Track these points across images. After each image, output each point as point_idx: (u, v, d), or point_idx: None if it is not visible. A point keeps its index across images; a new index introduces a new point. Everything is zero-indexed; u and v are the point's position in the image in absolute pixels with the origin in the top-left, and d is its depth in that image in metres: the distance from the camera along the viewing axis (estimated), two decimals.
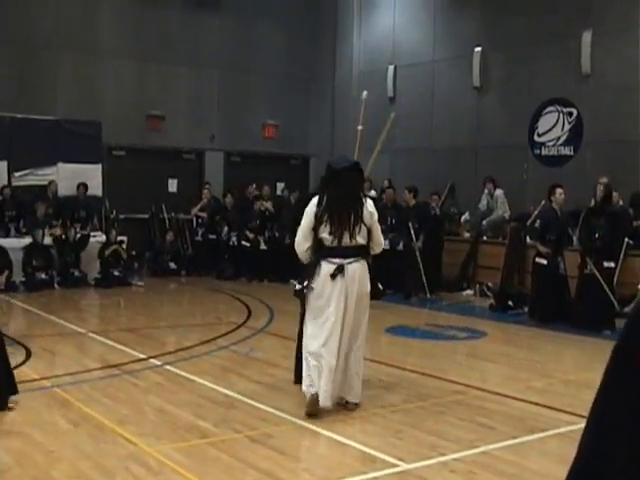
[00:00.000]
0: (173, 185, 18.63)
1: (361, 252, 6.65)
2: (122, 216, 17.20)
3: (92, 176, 16.66)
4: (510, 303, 12.71)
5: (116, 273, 15.12)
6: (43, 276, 14.35)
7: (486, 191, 15.33)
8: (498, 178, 15.19)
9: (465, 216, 16.12)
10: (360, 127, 8.26)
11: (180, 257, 17.11)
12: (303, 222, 6.68)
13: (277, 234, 16.45)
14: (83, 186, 16.20)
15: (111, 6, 17.68)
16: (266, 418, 6.51)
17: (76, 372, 7.99)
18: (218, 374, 7.97)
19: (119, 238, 15.60)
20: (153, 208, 18.06)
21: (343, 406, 6.74)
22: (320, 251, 6.59)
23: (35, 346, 9.11)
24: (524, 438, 6.03)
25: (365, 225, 6.60)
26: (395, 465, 5.35)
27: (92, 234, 15.59)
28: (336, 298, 6.47)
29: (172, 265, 16.76)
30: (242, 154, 19.41)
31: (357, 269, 6.58)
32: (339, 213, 6.52)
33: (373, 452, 5.61)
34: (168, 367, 8.30)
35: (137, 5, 17.92)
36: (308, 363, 6.57)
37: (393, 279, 14.32)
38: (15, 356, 8.52)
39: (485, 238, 15.11)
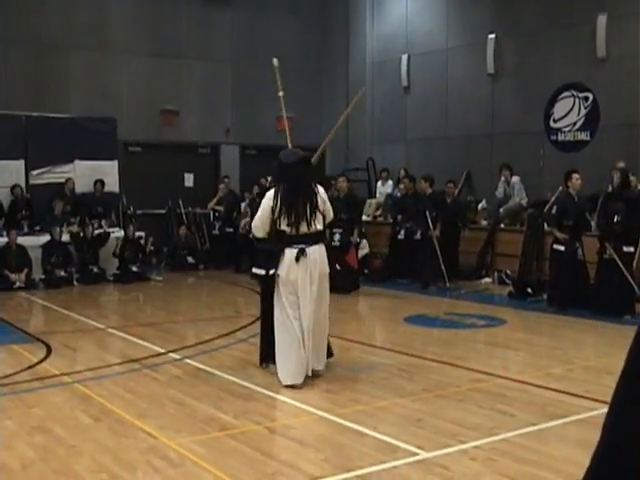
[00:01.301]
0: (189, 179, 18.68)
1: (319, 237, 7.31)
2: (139, 212, 17.27)
3: (108, 172, 16.74)
4: (529, 290, 12.66)
5: (134, 269, 15.18)
6: (62, 273, 14.42)
7: (502, 178, 15.26)
8: (514, 165, 15.12)
9: (482, 204, 16.07)
10: (281, 93, 8.66)
11: (198, 251, 17.16)
12: (260, 212, 7.33)
13: None
14: (100, 183, 16.30)
15: (123, 2, 17.72)
16: (285, 409, 6.52)
17: (96, 367, 8.03)
18: (237, 367, 7.99)
19: (137, 234, 15.66)
20: (170, 203, 18.13)
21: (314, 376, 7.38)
22: (282, 240, 7.19)
23: (55, 343, 9.17)
24: (544, 425, 6.00)
25: (320, 212, 7.24)
26: (415, 454, 5.35)
27: (110, 230, 15.66)
28: (301, 282, 7.09)
29: (190, 259, 16.82)
30: (257, 147, 19.41)
31: (317, 252, 7.20)
32: (295, 205, 7.12)
33: (393, 441, 5.60)
34: (188, 361, 8.32)
35: (149, 1, 17.94)
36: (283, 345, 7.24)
37: (411, 268, 14.33)
38: (36, 353, 8.61)
39: (502, 226, 15.05)
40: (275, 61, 8.78)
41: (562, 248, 11.51)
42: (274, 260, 7.18)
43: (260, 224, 7.36)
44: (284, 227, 7.14)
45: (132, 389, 7.17)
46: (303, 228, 7.14)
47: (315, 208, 7.18)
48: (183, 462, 5.22)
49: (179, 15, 18.33)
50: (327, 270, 7.34)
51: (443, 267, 13.62)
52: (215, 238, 17.35)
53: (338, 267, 7.91)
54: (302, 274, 7.10)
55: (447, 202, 14.58)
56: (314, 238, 7.21)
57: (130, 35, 17.72)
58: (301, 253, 7.10)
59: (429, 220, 13.83)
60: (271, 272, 7.20)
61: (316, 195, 7.24)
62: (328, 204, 7.45)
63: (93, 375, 7.71)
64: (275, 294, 7.26)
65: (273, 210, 7.15)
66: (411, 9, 18.61)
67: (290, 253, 7.13)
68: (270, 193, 7.29)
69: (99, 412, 6.39)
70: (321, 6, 20.31)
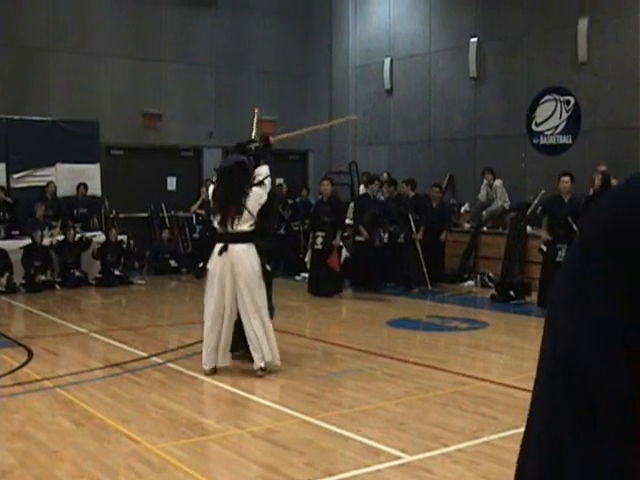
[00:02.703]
0: (172, 183, 18.62)
1: (245, 237, 7.63)
2: (122, 215, 17.19)
3: (91, 176, 16.64)
4: (511, 293, 12.69)
5: (117, 272, 15.11)
6: (43, 277, 14.34)
7: (485, 181, 15.32)
8: (497, 168, 15.17)
9: (465, 207, 16.11)
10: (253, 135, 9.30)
11: (180, 255, 17.10)
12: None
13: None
14: (83, 186, 16.19)
15: (105, 5, 17.64)
16: (268, 413, 6.51)
17: (78, 372, 7.98)
18: (220, 371, 7.96)
19: (119, 237, 15.60)
20: (152, 206, 18.06)
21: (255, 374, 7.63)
22: (214, 237, 7.87)
23: (37, 347, 9.10)
24: None
25: (250, 212, 7.61)
26: (398, 457, 5.35)
27: (92, 234, 15.57)
28: (220, 277, 7.53)
29: (173, 263, 16.75)
30: (242, 150, 19.34)
31: (241, 251, 7.55)
32: (222, 206, 7.65)
33: (376, 445, 5.60)
34: (170, 365, 8.29)
35: (131, 3, 17.88)
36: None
37: (394, 271, 14.36)
38: (17, 357, 8.55)
39: (485, 229, 15.09)
40: (256, 111, 9.99)
41: (544, 248, 11.59)
42: (207, 255, 7.86)
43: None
44: (215, 225, 7.74)
45: (114, 394, 7.13)
46: (229, 228, 7.58)
47: (242, 208, 7.57)
48: (165, 467, 5.20)
49: (161, 18, 18.27)
50: (251, 270, 7.57)
51: (425, 270, 13.64)
52: (197, 241, 17.23)
53: (268, 267, 8.06)
54: (222, 269, 7.52)
55: (431, 205, 14.60)
56: (239, 237, 7.59)
57: (112, 38, 17.64)
58: (223, 249, 7.53)
59: (412, 223, 13.85)
60: (201, 265, 7.80)
61: (246, 197, 7.60)
62: (265, 199, 7.73)
63: (75, 380, 7.66)
64: (206, 287, 7.82)
65: (211, 208, 7.98)
66: (394, 13, 18.64)
67: (216, 249, 7.63)
68: (210, 191, 8.08)
69: (81, 417, 6.35)
70: (304, 9, 20.31)
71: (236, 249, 7.53)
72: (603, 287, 0.71)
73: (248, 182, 7.71)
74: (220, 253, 7.55)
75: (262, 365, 7.58)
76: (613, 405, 0.70)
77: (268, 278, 8.10)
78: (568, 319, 0.74)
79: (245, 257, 7.55)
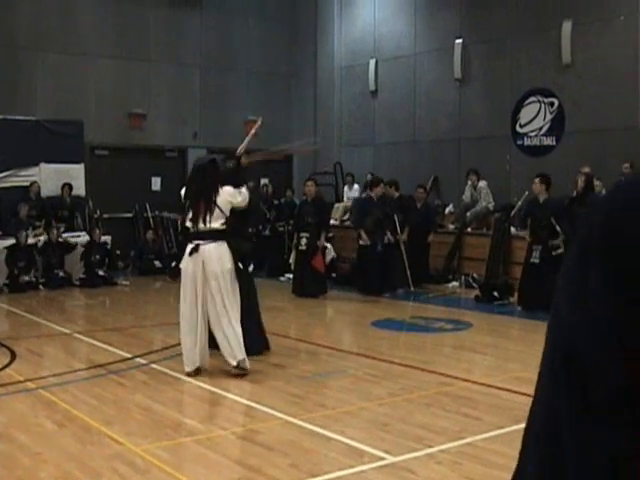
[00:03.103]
0: (156, 183, 18.56)
1: (217, 235, 7.58)
2: (106, 215, 17.13)
3: (75, 176, 16.57)
4: (495, 294, 12.73)
5: (101, 273, 15.06)
6: (27, 277, 14.27)
7: (469, 183, 15.36)
8: (481, 169, 15.22)
9: (449, 208, 16.16)
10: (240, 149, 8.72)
11: (165, 255, 17.05)
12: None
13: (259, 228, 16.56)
14: (68, 187, 16.11)
15: (91, 5, 17.58)
16: (252, 414, 6.51)
17: (61, 373, 7.95)
18: (204, 372, 7.95)
19: (103, 238, 15.55)
20: (137, 207, 18.01)
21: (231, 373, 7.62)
22: (186, 236, 7.86)
23: (20, 348, 9.06)
24: (511, 428, 6.03)
25: (221, 210, 7.58)
26: (382, 458, 5.36)
27: (76, 235, 15.51)
28: (191, 276, 7.53)
29: (157, 264, 16.70)
30: (225, 151, 19.29)
31: (213, 249, 7.52)
32: (194, 203, 7.64)
33: (360, 446, 5.61)
34: (154, 366, 8.27)
35: (117, 3, 17.82)
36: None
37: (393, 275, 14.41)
38: None
39: (469, 230, 15.13)
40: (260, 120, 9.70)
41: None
42: (181, 255, 7.87)
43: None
44: (187, 224, 7.68)
45: (97, 395, 7.11)
46: (200, 225, 7.55)
47: (213, 206, 7.55)
48: (149, 468, 5.19)
49: (147, 18, 18.23)
50: (223, 269, 7.53)
51: (408, 272, 13.65)
52: (182, 242, 17.17)
53: (240, 265, 7.91)
54: (194, 269, 7.51)
55: (416, 206, 14.62)
56: (210, 235, 7.56)
57: (98, 38, 17.58)
58: (194, 249, 7.52)
59: (397, 224, 13.87)
60: (173, 264, 7.82)
61: (216, 194, 7.58)
62: (238, 202, 7.75)
63: (58, 381, 7.63)
64: (181, 285, 7.78)
65: (184, 207, 7.81)
66: (379, 14, 18.68)
67: (188, 248, 7.62)
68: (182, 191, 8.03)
69: (64, 418, 6.33)
70: (289, 10, 20.32)
71: (207, 248, 7.52)
72: (600, 288, 0.73)
73: (219, 180, 7.71)
74: (191, 253, 7.54)
75: (234, 363, 7.53)
76: (607, 399, 0.72)
77: (246, 278, 8.06)
78: (567, 317, 0.76)
79: (215, 255, 7.52)
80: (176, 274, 7.90)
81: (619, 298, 0.71)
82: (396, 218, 13.87)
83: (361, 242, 13.63)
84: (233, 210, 7.78)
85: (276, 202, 17.61)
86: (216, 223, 7.57)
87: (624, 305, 0.71)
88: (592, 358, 0.73)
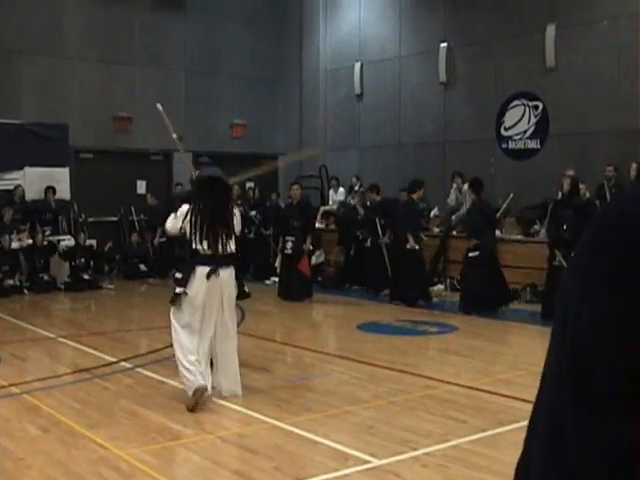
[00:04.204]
0: (142, 187, 18.52)
1: (232, 260, 7.12)
2: (91, 219, 17.07)
3: (60, 179, 16.50)
4: None
5: (86, 277, 15.01)
6: (11, 281, 14.20)
7: (455, 186, 15.41)
8: (466, 172, 15.24)
9: (434, 211, 16.18)
10: (175, 136, 8.81)
11: (150, 259, 16.99)
12: (174, 221, 7.19)
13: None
14: (51, 190, 16.04)
15: (76, 8, 17.52)
16: (237, 418, 6.50)
17: (46, 377, 7.92)
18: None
19: (88, 242, 15.49)
20: (122, 210, 17.96)
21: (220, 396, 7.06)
22: (195, 258, 6.98)
23: (4, 352, 9.02)
24: (495, 430, 6.06)
25: (234, 234, 7.16)
26: (367, 461, 5.37)
27: (61, 238, 15.46)
28: (209, 303, 6.88)
29: (142, 267, 16.66)
30: (210, 154, 19.31)
31: (230, 274, 7.04)
32: (211, 224, 6.96)
33: (345, 449, 5.62)
34: (139, 370, 8.26)
35: (102, 7, 17.77)
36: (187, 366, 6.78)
37: (363, 276, 14.43)
38: None
39: (455, 233, 15.16)
40: (159, 107, 8.88)
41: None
42: (185, 278, 6.94)
43: (172, 229, 7.31)
44: (199, 246, 6.93)
45: (82, 399, 7.09)
46: (218, 249, 6.96)
47: (230, 230, 7.07)
48: (134, 473, 5.18)
49: (132, 21, 18.19)
50: (234, 294, 7.19)
51: (390, 274, 13.65)
52: (164, 245, 16.85)
53: (246, 289, 7.78)
54: (212, 294, 6.90)
55: (398, 210, 14.63)
56: (227, 260, 7.04)
57: (83, 41, 17.53)
58: (213, 272, 6.88)
59: (378, 228, 13.89)
60: (178, 290, 6.92)
61: (232, 217, 7.16)
62: (239, 225, 7.44)
63: (42, 385, 7.60)
64: (176, 311, 6.97)
65: (190, 226, 6.97)
66: (364, 17, 18.72)
67: (202, 272, 6.88)
68: (185, 207, 7.12)
69: (48, 423, 6.30)
70: (274, 14, 20.32)
71: (226, 272, 6.98)
72: (602, 287, 0.76)
73: (231, 199, 7.41)
74: (209, 277, 6.85)
75: (225, 394, 7.08)
76: (610, 394, 0.75)
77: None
78: (573, 314, 0.79)
79: (231, 281, 7.09)
80: (178, 300, 6.94)
81: (622, 297, 0.74)
82: (377, 221, 13.90)
83: (408, 246, 12.95)
84: None
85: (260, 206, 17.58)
86: (232, 246, 7.10)
87: (624, 304, 0.73)
88: (596, 353, 0.76)
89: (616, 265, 0.75)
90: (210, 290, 6.86)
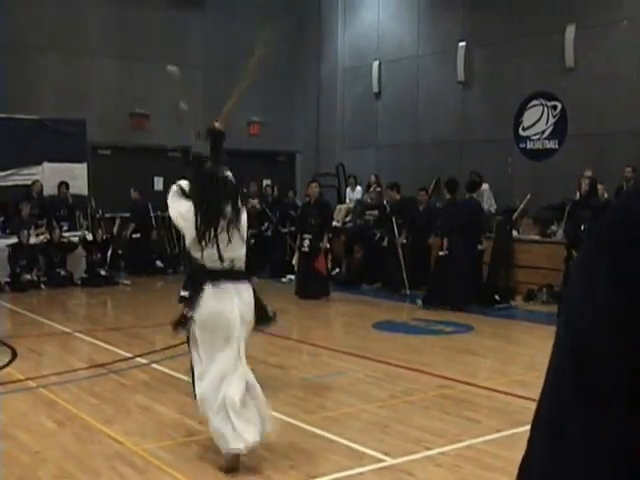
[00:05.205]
0: (159, 183, 18.55)
1: (245, 273, 5.67)
2: (108, 215, 17.14)
3: (77, 175, 16.58)
4: (497, 297, 12.71)
5: (102, 272, 15.07)
6: (29, 276, 14.28)
7: None
8: (483, 172, 15.17)
9: None
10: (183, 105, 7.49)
11: (166, 255, 17.05)
12: (177, 202, 5.60)
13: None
14: (65, 185, 16.10)
15: (95, 5, 17.60)
16: None
17: (62, 372, 7.96)
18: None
19: (105, 236, 15.58)
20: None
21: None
22: (203, 275, 5.46)
23: (21, 347, 9.07)
24: (509, 431, 6.04)
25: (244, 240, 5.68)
26: (381, 460, 5.36)
27: (78, 234, 15.52)
28: (227, 323, 5.34)
29: (159, 263, 16.71)
30: (228, 152, 19.24)
31: (247, 290, 5.56)
32: (219, 232, 5.42)
33: (359, 448, 5.61)
34: (155, 366, 8.28)
35: (121, 4, 17.83)
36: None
37: (380, 275, 14.41)
38: (0, 357, 8.52)
39: None
40: (172, 70, 7.59)
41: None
42: (193, 297, 5.49)
43: (178, 217, 5.64)
44: (206, 259, 5.41)
45: (98, 394, 7.12)
46: (230, 262, 5.45)
47: (241, 239, 5.59)
48: (148, 468, 5.19)
49: (151, 19, 18.24)
50: (252, 318, 5.57)
51: (405, 275, 13.61)
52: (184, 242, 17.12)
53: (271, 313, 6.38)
54: (230, 315, 5.34)
55: (418, 209, 14.62)
56: (241, 274, 5.58)
57: (101, 37, 17.60)
58: (225, 290, 5.39)
59: (395, 227, 13.86)
60: (188, 314, 5.47)
61: (241, 217, 5.61)
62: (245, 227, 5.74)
63: (58, 380, 7.64)
64: (192, 340, 5.60)
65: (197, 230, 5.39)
66: (382, 16, 18.69)
67: (215, 292, 5.37)
68: (184, 183, 5.69)
69: (64, 417, 6.33)
70: (293, 12, 20.31)
71: (242, 288, 5.50)
72: (606, 283, 0.75)
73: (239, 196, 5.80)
74: (221, 295, 5.37)
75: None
76: (613, 388, 0.74)
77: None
78: (577, 308, 0.79)
79: (251, 303, 5.56)
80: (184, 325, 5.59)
81: (623, 293, 0.74)
82: (394, 221, 13.87)
83: (440, 253, 12.65)
84: None
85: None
86: (243, 258, 5.63)
87: (627, 303, 0.73)
88: (599, 346, 0.76)
89: (618, 264, 0.75)
90: (228, 313, 5.36)
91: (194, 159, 6.51)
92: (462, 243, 12.18)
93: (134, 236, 16.55)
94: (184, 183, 5.73)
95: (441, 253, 12.46)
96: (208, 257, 5.40)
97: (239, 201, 5.67)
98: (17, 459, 5.34)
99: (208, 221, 5.40)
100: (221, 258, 5.40)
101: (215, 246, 5.38)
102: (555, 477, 0.81)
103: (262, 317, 5.96)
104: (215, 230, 5.39)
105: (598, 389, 0.75)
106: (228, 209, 5.50)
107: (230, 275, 5.44)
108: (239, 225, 5.54)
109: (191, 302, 5.49)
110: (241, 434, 5.07)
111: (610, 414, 0.74)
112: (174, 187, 5.70)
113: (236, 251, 5.51)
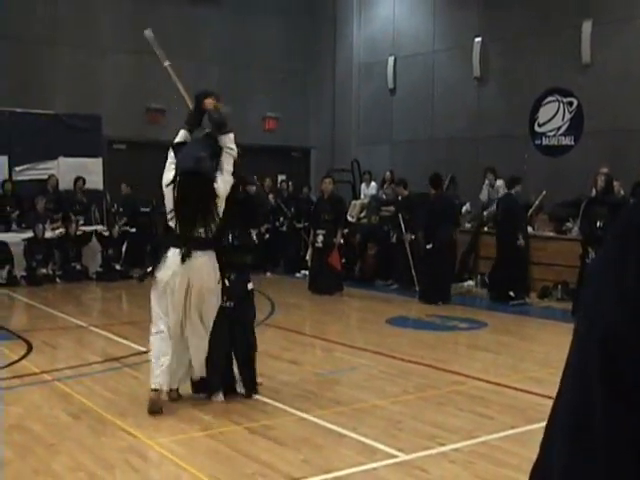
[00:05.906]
0: None
1: (209, 243, 6.35)
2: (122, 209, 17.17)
3: (93, 170, 16.64)
4: (511, 293, 12.68)
5: (117, 267, 15.12)
6: (44, 270, 14.35)
7: (487, 182, 15.29)
8: (498, 168, 15.14)
9: (466, 207, 16.09)
10: (167, 63, 7.77)
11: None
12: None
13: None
14: (81, 180, 16.17)
15: (111, 1, 17.65)
16: (265, 410, 6.52)
17: (77, 365, 8.00)
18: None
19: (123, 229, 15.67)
20: (154, 201, 18.03)
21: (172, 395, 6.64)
22: (169, 237, 6.43)
23: (36, 340, 9.12)
24: (523, 428, 6.03)
25: (217, 215, 6.33)
26: (394, 456, 5.36)
27: (94, 229, 15.58)
28: (178, 287, 6.22)
29: None
30: (243, 147, 19.33)
31: (204, 261, 6.29)
32: (189, 202, 6.33)
33: (372, 443, 5.61)
34: None
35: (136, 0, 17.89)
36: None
37: (392, 271, 14.40)
38: (16, 350, 8.57)
39: (486, 229, 15.07)
40: (147, 34, 7.85)
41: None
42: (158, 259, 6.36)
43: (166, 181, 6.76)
44: (172, 223, 6.32)
45: (112, 388, 7.15)
46: (194, 229, 6.26)
47: (211, 215, 6.30)
48: (162, 461, 5.21)
49: (166, 14, 18.26)
50: (212, 285, 6.35)
51: (413, 271, 13.58)
52: (159, 244, 17.02)
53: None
54: (181, 279, 6.20)
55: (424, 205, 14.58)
56: (202, 244, 6.29)
57: (116, 32, 17.64)
58: (187, 255, 6.18)
59: (402, 223, 13.83)
60: (149, 270, 6.44)
61: (214, 204, 6.33)
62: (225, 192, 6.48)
63: (73, 373, 7.68)
64: (152, 296, 6.42)
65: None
66: (398, 11, 18.65)
67: (173, 253, 6.24)
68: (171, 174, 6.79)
69: (79, 410, 6.37)
70: (308, 8, 20.31)
71: (200, 257, 6.26)
72: (636, 281, 0.76)
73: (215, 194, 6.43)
74: (183, 260, 6.20)
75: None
76: (637, 380, 0.75)
77: (245, 296, 6.72)
78: (604, 307, 0.80)
79: (208, 270, 6.33)
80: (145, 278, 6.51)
81: None
82: (401, 217, 13.84)
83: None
84: (234, 211, 6.54)
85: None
86: (210, 230, 6.34)
87: None
88: (628, 345, 0.76)
89: None
90: (179, 276, 6.19)
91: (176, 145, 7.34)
92: (444, 237, 12.62)
93: (131, 231, 16.46)
94: (181, 134, 7.24)
95: (428, 247, 12.73)
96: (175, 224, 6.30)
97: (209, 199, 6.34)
98: (32, 451, 5.38)
99: (182, 215, 6.32)
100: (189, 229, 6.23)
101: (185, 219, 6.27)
102: (578, 470, 0.81)
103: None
104: (187, 218, 6.27)
105: (624, 380, 0.75)
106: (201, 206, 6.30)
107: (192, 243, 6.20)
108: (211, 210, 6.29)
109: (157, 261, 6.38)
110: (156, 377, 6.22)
111: (636, 406, 0.74)
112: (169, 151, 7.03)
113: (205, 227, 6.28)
